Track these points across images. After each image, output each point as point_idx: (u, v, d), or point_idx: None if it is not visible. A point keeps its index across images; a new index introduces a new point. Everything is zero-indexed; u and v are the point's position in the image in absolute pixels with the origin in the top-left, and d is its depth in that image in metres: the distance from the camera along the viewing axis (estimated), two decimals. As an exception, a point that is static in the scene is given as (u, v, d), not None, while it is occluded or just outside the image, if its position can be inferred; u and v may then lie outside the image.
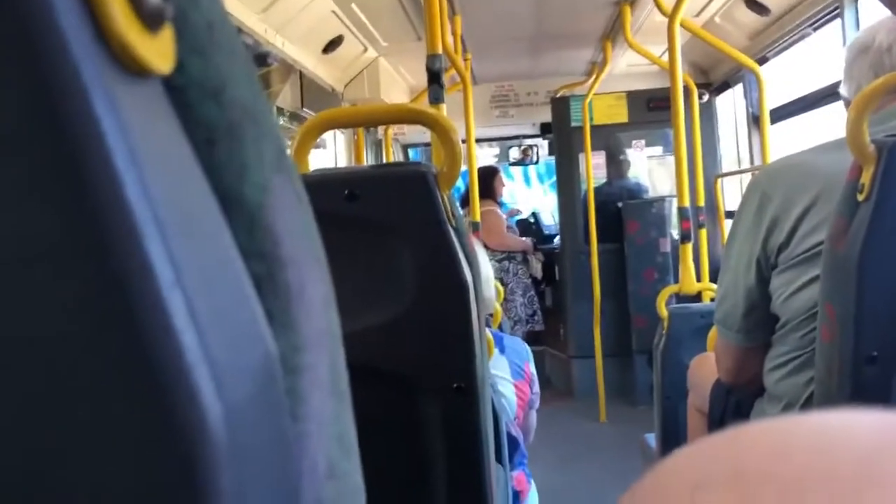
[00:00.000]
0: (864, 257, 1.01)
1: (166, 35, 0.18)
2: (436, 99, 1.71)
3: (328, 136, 4.30)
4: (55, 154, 0.16)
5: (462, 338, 1.00)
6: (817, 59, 3.20)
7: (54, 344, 0.16)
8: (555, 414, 4.07)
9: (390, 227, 0.98)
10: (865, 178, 1.02)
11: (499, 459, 1.66)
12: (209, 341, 0.17)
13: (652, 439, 2.42)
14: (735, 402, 1.42)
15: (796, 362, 1.23)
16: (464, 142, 3.05)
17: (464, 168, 1.34)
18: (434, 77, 1.69)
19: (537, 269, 4.66)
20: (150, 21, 0.18)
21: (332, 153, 4.31)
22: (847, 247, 1.04)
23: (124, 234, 0.16)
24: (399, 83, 4.29)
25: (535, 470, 2.86)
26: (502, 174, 4.93)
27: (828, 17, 2.74)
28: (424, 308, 1.00)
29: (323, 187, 0.99)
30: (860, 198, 1.03)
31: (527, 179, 7.09)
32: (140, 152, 0.17)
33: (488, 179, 4.59)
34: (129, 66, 0.17)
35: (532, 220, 5.04)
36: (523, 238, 4.84)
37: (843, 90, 1.31)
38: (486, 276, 2.00)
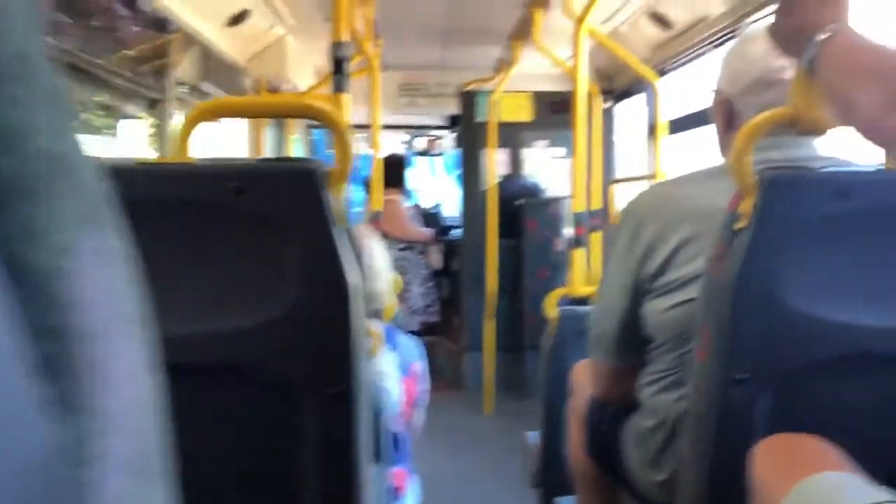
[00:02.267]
0: (738, 283, 1.05)
1: None
2: (339, 88, 1.67)
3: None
4: None
5: (342, 343, 0.98)
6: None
7: None
8: (443, 404, 4.11)
9: (276, 224, 0.95)
10: (745, 206, 1.05)
11: (377, 457, 1.65)
12: None
13: (534, 437, 2.47)
14: (611, 414, 1.45)
15: (669, 379, 1.27)
16: (369, 127, 3.02)
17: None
18: (338, 66, 1.64)
19: (438, 260, 4.66)
20: None
21: (234, 125, 4.18)
22: (724, 272, 1.08)
23: None
24: (307, 62, 4.19)
25: (420, 459, 2.87)
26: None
27: (728, 36, 2.84)
28: (306, 310, 0.97)
29: (209, 178, 0.94)
30: (739, 226, 1.06)
31: (432, 169, 7.09)
32: None
33: (398, 168, 4.51)
34: None
35: (434, 211, 5.05)
36: (425, 229, 4.79)
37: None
38: (380, 269, 1.98)
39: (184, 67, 2.89)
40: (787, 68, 1.14)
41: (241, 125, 4.18)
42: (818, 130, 1.07)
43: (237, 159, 1.04)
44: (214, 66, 3.19)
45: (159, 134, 2.80)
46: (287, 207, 0.95)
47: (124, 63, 2.43)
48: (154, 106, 2.78)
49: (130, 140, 3.17)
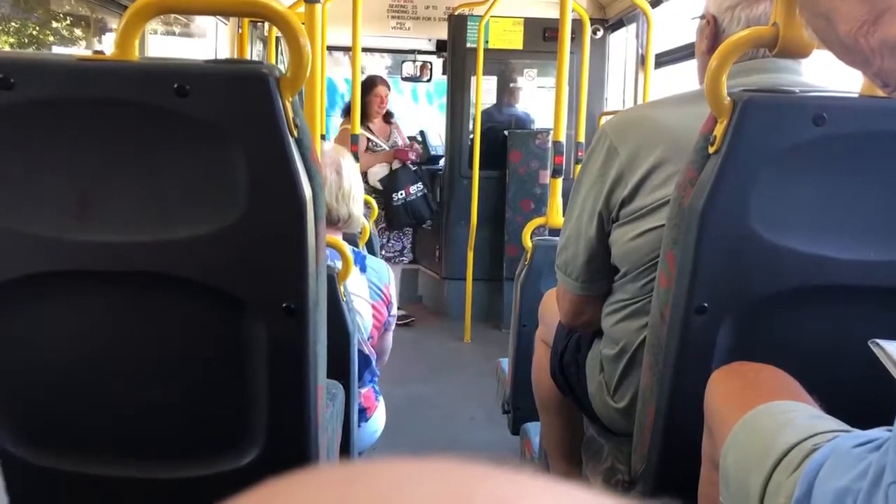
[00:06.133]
0: (706, 209, 1.02)
1: None
2: (312, -1, 1.60)
3: (209, 25, 4.04)
4: None
5: (295, 256, 0.95)
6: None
7: None
8: (423, 331, 4.14)
9: (223, 129, 0.90)
10: (718, 130, 1.02)
11: (346, 377, 1.65)
12: None
13: (506, 363, 2.48)
14: (576, 340, 1.44)
15: (632, 307, 1.26)
16: (350, 49, 2.93)
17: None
18: (311, -25, 1.57)
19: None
20: None
21: (212, 45, 4.06)
22: (693, 198, 1.05)
23: None
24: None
25: (395, 384, 2.89)
26: (382, 88, 4.32)
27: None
28: (255, 221, 0.93)
29: (150, 78, 0.89)
30: (711, 150, 1.03)
31: (415, 96, 6.95)
32: None
33: (362, 97, 4.13)
34: None
35: (420, 139, 4.96)
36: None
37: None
38: (354, 192, 1.94)
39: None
40: None
41: (224, 47, 4.06)
42: (800, 53, 1.02)
43: (184, 59, 0.98)
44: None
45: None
46: (235, 112, 0.90)
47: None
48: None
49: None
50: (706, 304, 1.05)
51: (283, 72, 0.95)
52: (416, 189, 4.24)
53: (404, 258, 4.45)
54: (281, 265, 0.97)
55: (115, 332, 0.99)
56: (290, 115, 0.93)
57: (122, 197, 0.92)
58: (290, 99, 0.93)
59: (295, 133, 0.94)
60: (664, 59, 3.32)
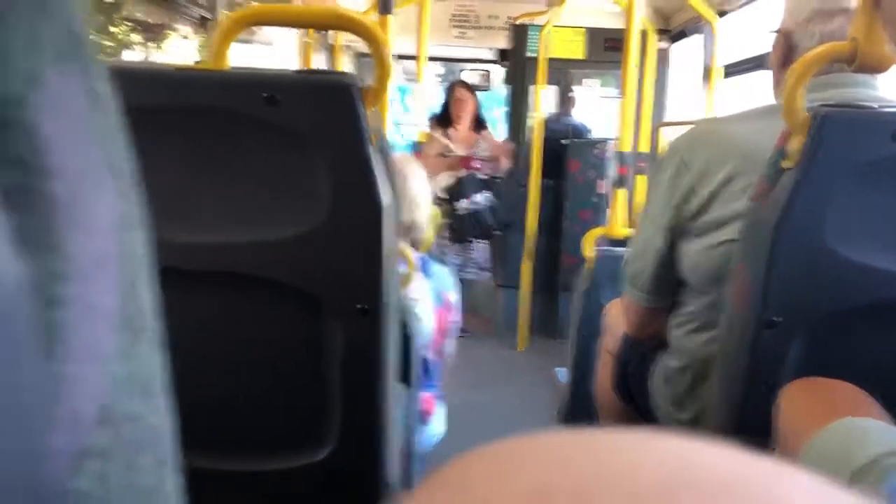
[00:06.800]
0: (780, 223, 1.02)
1: None
2: (385, 9, 1.64)
3: (277, 35, 4.14)
4: None
5: (371, 259, 0.98)
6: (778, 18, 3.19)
7: None
8: (476, 339, 4.15)
9: (309, 137, 0.94)
10: (794, 145, 1.02)
11: (407, 380, 1.67)
12: None
13: (563, 373, 2.48)
14: (641, 352, 1.44)
15: (700, 320, 1.26)
16: (416, 58, 2.98)
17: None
18: (385, -13, 1.61)
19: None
20: None
21: (281, 55, 4.16)
22: (766, 212, 1.04)
23: None
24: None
25: (451, 389, 2.91)
26: (461, 90, 4.11)
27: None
28: (336, 226, 0.97)
29: (241, 87, 0.93)
30: (785, 165, 1.03)
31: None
32: None
33: (445, 101, 4.10)
34: None
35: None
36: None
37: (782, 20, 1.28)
38: (420, 200, 1.97)
39: (233, -13, 2.87)
40: None
41: (292, 54, 4.15)
42: (879, 68, 1.01)
43: (273, 70, 1.02)
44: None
45: (207, 51, 2.81)
46: (320, 121, 0.94)
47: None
48: (204, 24, 2.79)
49: (180, 59, 3.17)
50: (777, 319, 1.05)
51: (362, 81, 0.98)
52: (482, 198, 4.04)
53: (469, 272, 4.20)
54: (358, 268, 1.00)
55: (203, 329, 1.03)
56: (373, 123, 0.96)
57: (212, 200, 0.96)
58: (372, 108, 0.96)
59: (376, 141, 0.97)
60: (730, 71, 3.28)
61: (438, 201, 3.85)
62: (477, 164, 4.06)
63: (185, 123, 0.95)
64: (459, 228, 4.04)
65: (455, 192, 4.02)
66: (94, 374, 0.20)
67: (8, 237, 0.17)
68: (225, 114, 0.93)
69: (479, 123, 4.15)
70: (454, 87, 4.15)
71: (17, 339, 0.17)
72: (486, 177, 4.09)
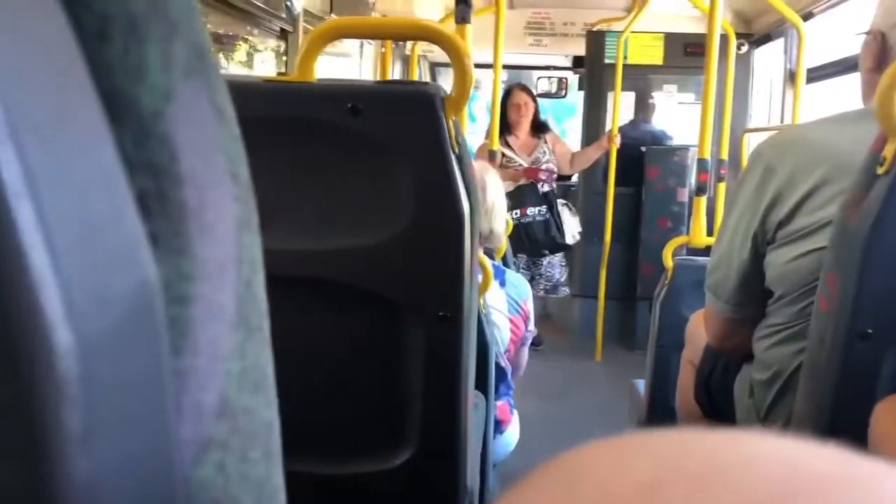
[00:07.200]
0: (874, 232, 0.98)
1: None
2: (462, 19, 1.66)
3: (354, 47, 4.22)
4: None
5: (452, 267, 0.99)
6: (864, 21, 3.08)
7: None
8: (552, 349, 4.12)
9: (391, 146, 0.96)
10: (888, 150, 0.98)
11: (483, 388, 1.68)
12: (65, 261, 0.15)
13: (641, 385, 2.44)
14: (724, 364, 1.41)
15: (787, 332, 1.22)
16: (491, 66, 2.99)
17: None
18: (462, -4, 1.63)
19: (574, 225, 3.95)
20: None
21: (357, 65, 4.23)
22: (859, 219, 1.01)
23: None
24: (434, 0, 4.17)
25: (526, 399, 2.90)
26: (519, 94, 3.92)
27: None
28: (418, 233, 0.98)
29: (327, 98, 0.96)
30: (879, 171, 0.99)
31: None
32: None
33: (502, 107, 3.81)
34: None
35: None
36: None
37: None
38: (497, 209, 1.98)
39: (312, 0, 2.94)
40: None
41: (368, 65, 4.22)
42: (981, 70, 0.97)
43: (357, 81, 1.05)
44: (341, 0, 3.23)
45: (288, 63, 2.89)
46: (403, 130, 0.96)
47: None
48: (284, 36, 2.86)
49: (262, 70, 3.27)
50: (870, 331, 1.01)
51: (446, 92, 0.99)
52: (534, 211, 3.77)
53: (539, 289, 3.93)
54: (439, 275, 1.01)
55: (286, 334, 1.06)
56: (453, 133, 0.97)
57: (299, 208, 0.99)
58: (454, 118, 0.97)
59: (457, 150, 0.98)
60: (815, 75, 3.18)
61: None
62: (543, 176, 3.84)
63: (271, 133, 0.98)
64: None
65: (510, 201, 3.71)
66: (215, 368, 0.21)
67: (146, 242, 0.18)
68: (310, 124, 0.96)
69: (539, 127, 3.96)
70: (512, 91, 3.93)
71: (153, 334, 0.18)
72: (549, 189, 3.86)
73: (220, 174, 0.22)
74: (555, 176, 3.93)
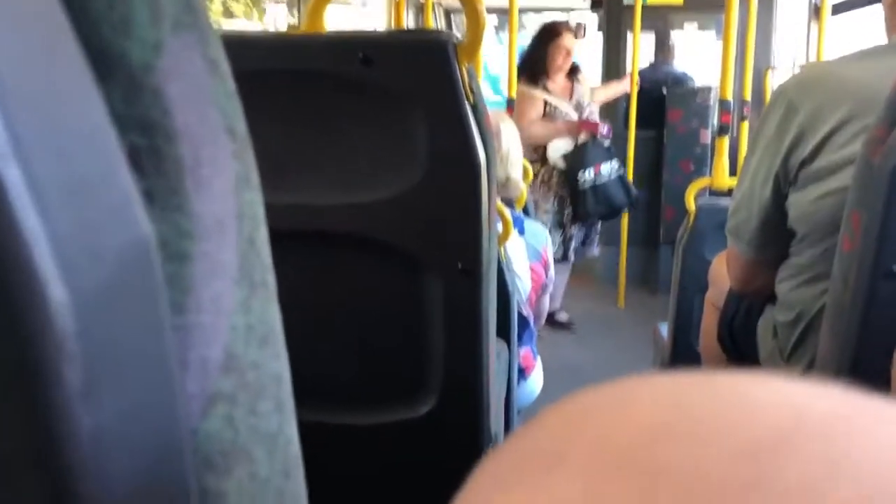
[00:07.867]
0: None
1: None
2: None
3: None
4: None
5: (470, 219, 0.99)
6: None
7: None
8: (575, 296, 4.12)
9: (404, 96, 0.95)
10: (915, 83, 0.95)
11: (506, 337, 1.69)
12: (56, 220, 0.15)
13: (664, 328, 2.44)
14: (747, 306, 1.40)
15: (811, 273, 1.20)
16: (507, 11, 2.93)
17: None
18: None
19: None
20: None
21: (368, 12, 4.18)
22: (883, 156, 0.99)
23: None
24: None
25: (550, 346, 2.91)
26: (568, 36, 3.33)
27: None
28: (434, 185, 0.98)
29: (337, 49, 0.95)
30: (905, 105, 0.96)
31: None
32: None
33: (540, 48, 3.33)
34: None
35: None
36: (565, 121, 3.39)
37: None
38: (513, 156, 1.96)
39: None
40: None
41: (381, 15, 4.16)
42: None
43: (367, 31, 1.03)
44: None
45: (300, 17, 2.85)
46: (416, 79, 0.95)
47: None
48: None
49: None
50: (895, 269, 1.00)
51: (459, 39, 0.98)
52: (608, 169, 3.29)
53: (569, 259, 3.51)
54: (456, 227, 1.01)
55: (305, 288, 1.07)
56: (467, 81, 0.96)
57: (312, 161, 0.99)
58: (467, 65, 0.96)
59: (471, 98, 0.97)
60: (840, 8, 3.08)
61: (553, 172, 3.32)
62: (604, 131, 3.33)
63: (282, 87, 0.97)
64: (581, 207, 3.27)
65: (575, 161, 3.27)
66: (219, 324, 0.21)
67: (140, 199, 0.18)
68: (321, 76, 0.95)
69: (572, 69, 3.48)
70: (562, 34, 3.32)
71: (152, 291, 0.18)
72: (609, 142, 3.37)
73: (215, 129, 0.22)
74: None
